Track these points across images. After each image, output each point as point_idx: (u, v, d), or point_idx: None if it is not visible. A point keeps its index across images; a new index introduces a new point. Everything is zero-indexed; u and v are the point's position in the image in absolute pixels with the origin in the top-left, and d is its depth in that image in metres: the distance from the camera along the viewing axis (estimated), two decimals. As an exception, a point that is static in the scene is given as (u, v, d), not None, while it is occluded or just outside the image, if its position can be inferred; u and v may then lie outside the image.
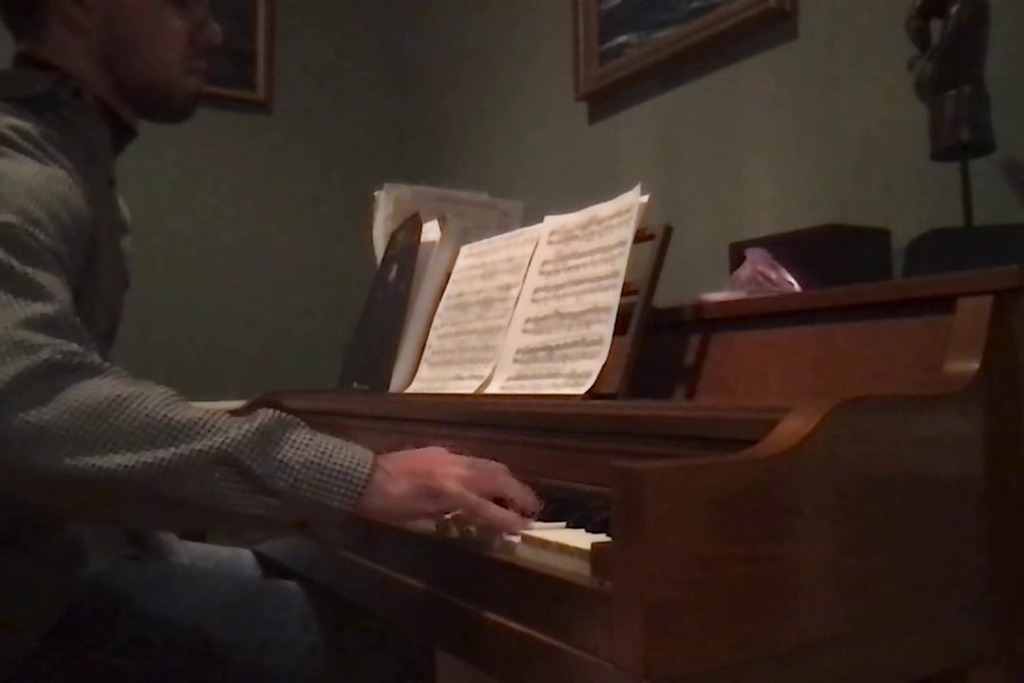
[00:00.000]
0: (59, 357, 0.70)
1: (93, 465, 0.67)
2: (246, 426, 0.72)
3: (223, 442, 0.70)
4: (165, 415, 0.70)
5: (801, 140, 1.53)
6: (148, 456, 0.68)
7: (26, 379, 0.68)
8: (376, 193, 1.70)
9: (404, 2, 2.84)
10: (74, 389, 0.69)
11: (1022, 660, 0.72)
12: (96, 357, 0.74)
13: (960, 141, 1.11)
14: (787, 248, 1.18)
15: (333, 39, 2.78)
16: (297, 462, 0.72)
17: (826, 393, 0.71)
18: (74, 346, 0.72)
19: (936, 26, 1.15)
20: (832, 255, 1.17)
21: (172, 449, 0.69)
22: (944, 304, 0.78)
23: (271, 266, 2.64)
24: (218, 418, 0.72)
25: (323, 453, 0.73)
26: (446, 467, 0.79)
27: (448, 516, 0.82)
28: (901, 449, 0.67)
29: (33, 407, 0.67)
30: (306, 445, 0.73)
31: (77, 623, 0.94)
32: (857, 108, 1.43)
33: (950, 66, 1.12)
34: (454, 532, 0.82)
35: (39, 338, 0.70)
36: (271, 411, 0.74)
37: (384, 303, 1.51)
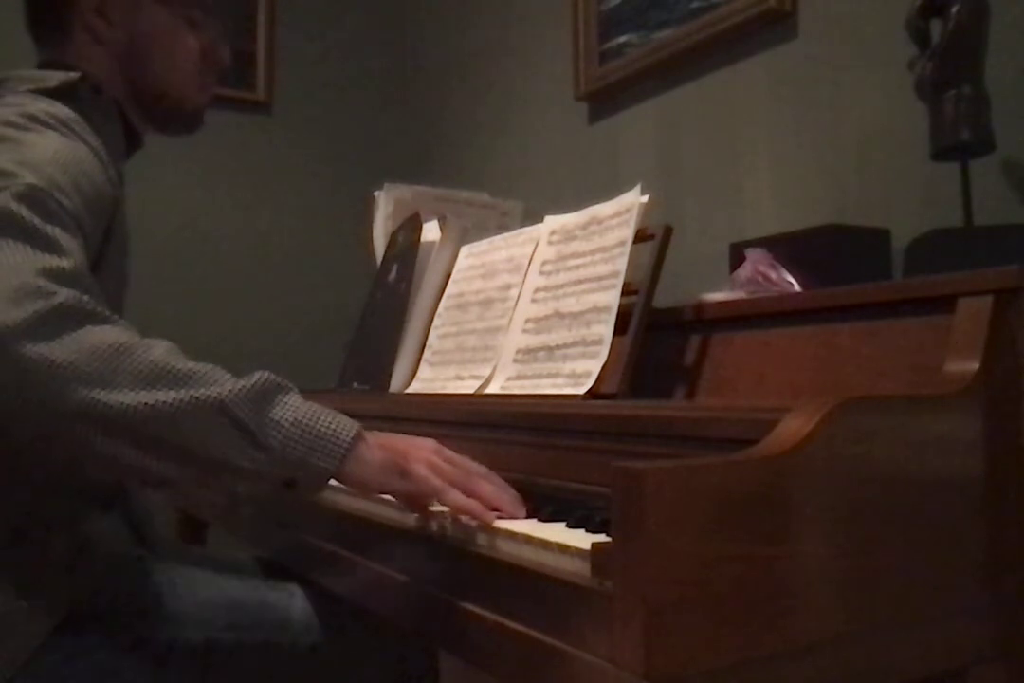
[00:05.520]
0: (73, 302, 0.74)
1: (97, 400, 0.71)
2: (243, 382, 0.76)
3: (221, 393, 0.74)
4: (168, 362, 0.75)
5: (801, 140, 1.53)
6: (150, 397, 0.72)
7: (41, 319, 0.72)
8: (376, 193, 1.70)
9: (404, 2, 2.84)
10: (85, 332, 0.74)
11: (1022, 660, 0.72)
12: (107, 309, 0.77)
13: (960, 141, 1.11)
14: (787, 248, 1.18)
15: (333, 40, 2.77)
16: (287, 421, 0.76)
17: (826, 393, 0.71)
18: (87, 297, 0.76)
19: (936, 26, 1.15)
20: (832, 255, 1.17)
21: (172, 393, 0.73)
22: (944, 304, 0.78)
23: (271, 266, 2.64)
24: (218, 372, 0.76)
25: (312, 415, 0.77)
26: (422, 452, 0.81)
27: (441, 511, 0.82)
28: (901, 449, 0.67)
29: (46, 344, 0.71)
30: (297, 407, 0.77)
31: (80, 623, 0.94)
32: (857, 108, 1.43)
33: (950, 66, 1.12)
34: (434, 526, 0.83)
35: (55, 287, 0.75)
36: (267, 373, 0.78)
37: (384, 303, 1.51)
